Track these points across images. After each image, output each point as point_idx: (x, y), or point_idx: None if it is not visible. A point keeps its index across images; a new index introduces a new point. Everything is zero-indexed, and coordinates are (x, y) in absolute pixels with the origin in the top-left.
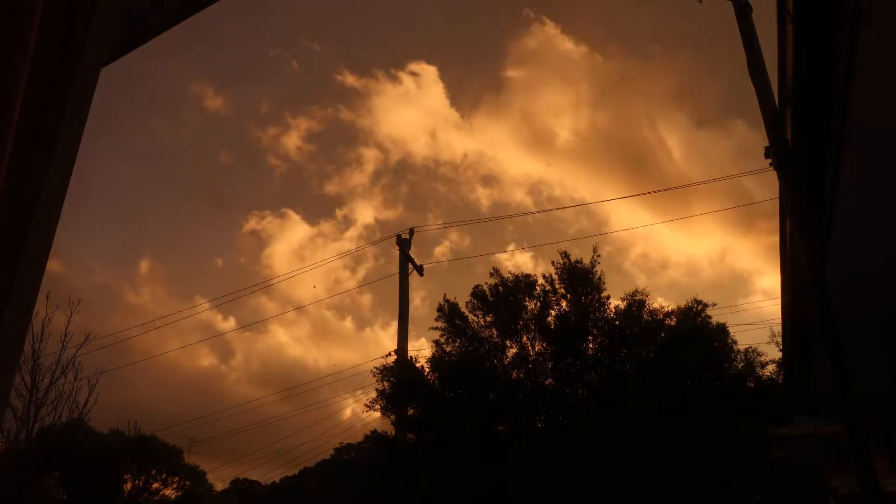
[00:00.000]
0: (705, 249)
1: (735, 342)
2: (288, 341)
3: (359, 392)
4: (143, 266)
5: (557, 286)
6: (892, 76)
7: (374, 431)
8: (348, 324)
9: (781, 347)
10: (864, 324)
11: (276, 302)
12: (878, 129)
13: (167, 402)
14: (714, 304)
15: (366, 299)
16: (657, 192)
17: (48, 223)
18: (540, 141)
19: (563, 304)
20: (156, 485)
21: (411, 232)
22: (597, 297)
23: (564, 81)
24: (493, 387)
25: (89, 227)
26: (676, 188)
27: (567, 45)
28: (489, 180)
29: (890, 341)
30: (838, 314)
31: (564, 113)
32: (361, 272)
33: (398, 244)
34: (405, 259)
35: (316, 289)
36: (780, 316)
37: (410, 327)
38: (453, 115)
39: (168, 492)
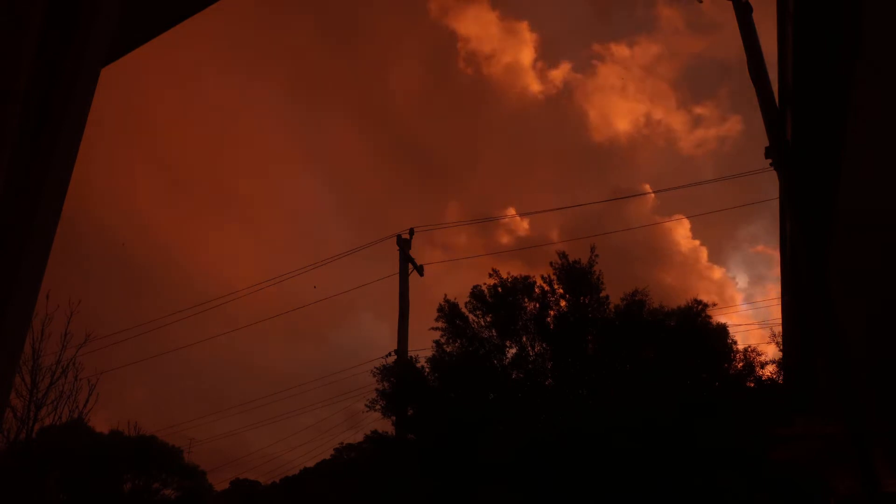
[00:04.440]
0: None
1: (735, 342)
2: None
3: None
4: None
5: (556, 286)
6: (892, 76)
7: (374, 432)
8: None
9: (781, 347)
10: (864, 323)
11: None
12: (878, 129)
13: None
14: (714, 305)
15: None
16: (658, 192)
17: (49, 223)
18: None
19: (562, 304)
20: (156, 485)
21: (411, 232)
22: (596, 297)
23: None
24: (493, 387)
25: None
26: (677, 188)
27: None
28: None
29: (891, 341)
30: (838, 314)
31: None
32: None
33: (398, 244)
34: (405, 259)
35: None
36: (780, 316)
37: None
38: None
39: (168, 492)
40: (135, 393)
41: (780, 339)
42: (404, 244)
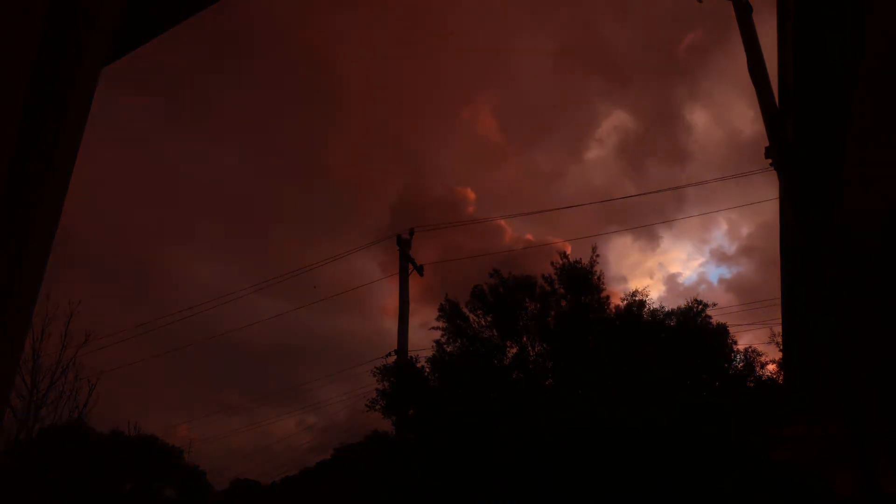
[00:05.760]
0: None
1: (735, 342)
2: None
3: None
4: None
5: (557, 286)
6: (893, 76)
7: (375, 431)
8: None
9: (781, 347)
10: (864, 323)
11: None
12: (879, 129)
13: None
14: (714, 305)
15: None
16: (658, 191)
17: (49, 223)
18: None
19: (563, 304)
20: (156, 485)
21: (411, 232)
22: (596, 297)
23: None
24: (494, 387)
25: None
26: (677, 188)
27: None
28: None
29: (890, 341)
30: (838, 313)
31: None
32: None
33: (398, 244)
34: (405, 259)
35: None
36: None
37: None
38: None
39: (168, 492)
40: (135, 393)
41: (780, 339)
42: (404, 244)
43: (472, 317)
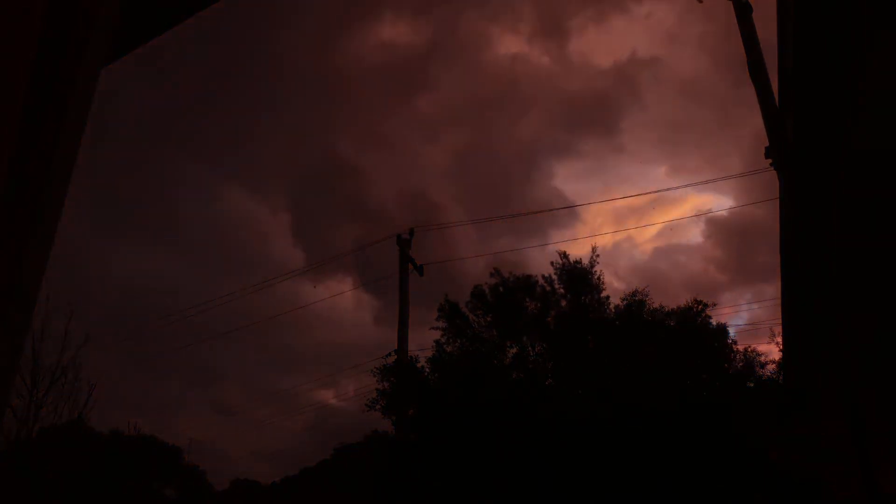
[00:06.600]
0: None
1: (735, 342)
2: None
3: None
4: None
5: (557, 286)
6: (892, 75)
7: (375, 431)
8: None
9: (781, 347)
10: (864, 323)
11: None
12: (879, 129)
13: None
14: (714, 305)
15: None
16: (658, 191)
17: (49, 224)
18: None
19: (563, 304)
20: (156, 485)
21: (411, 232)
22: (596, 297)
23: None
24: (494, 387)
25: None
26: (678, 188)
27: None
28: None
29: (890, 341)
30: (838, 313)
31: None
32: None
33: (398, 244)
34: (405, 259)
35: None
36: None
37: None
38: None
39: (168, 492)
40: (135, 392)
41: (780, 339)
42: (404, 244)
43: (471, 317)
